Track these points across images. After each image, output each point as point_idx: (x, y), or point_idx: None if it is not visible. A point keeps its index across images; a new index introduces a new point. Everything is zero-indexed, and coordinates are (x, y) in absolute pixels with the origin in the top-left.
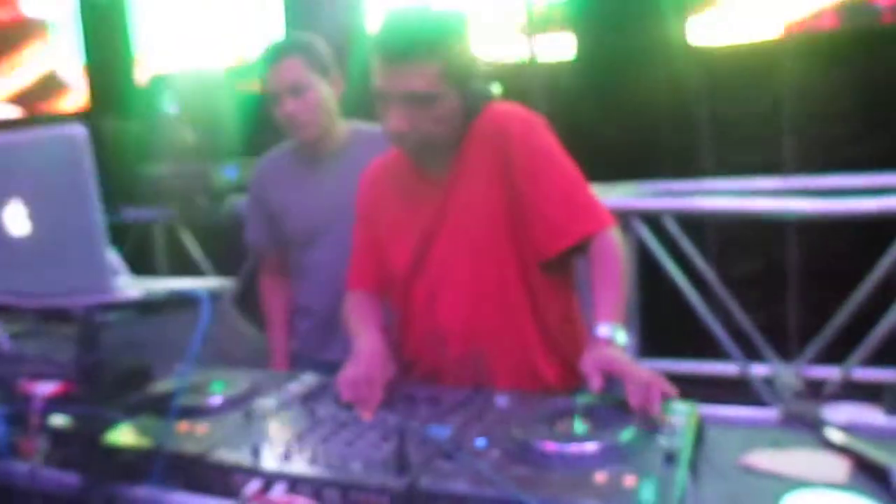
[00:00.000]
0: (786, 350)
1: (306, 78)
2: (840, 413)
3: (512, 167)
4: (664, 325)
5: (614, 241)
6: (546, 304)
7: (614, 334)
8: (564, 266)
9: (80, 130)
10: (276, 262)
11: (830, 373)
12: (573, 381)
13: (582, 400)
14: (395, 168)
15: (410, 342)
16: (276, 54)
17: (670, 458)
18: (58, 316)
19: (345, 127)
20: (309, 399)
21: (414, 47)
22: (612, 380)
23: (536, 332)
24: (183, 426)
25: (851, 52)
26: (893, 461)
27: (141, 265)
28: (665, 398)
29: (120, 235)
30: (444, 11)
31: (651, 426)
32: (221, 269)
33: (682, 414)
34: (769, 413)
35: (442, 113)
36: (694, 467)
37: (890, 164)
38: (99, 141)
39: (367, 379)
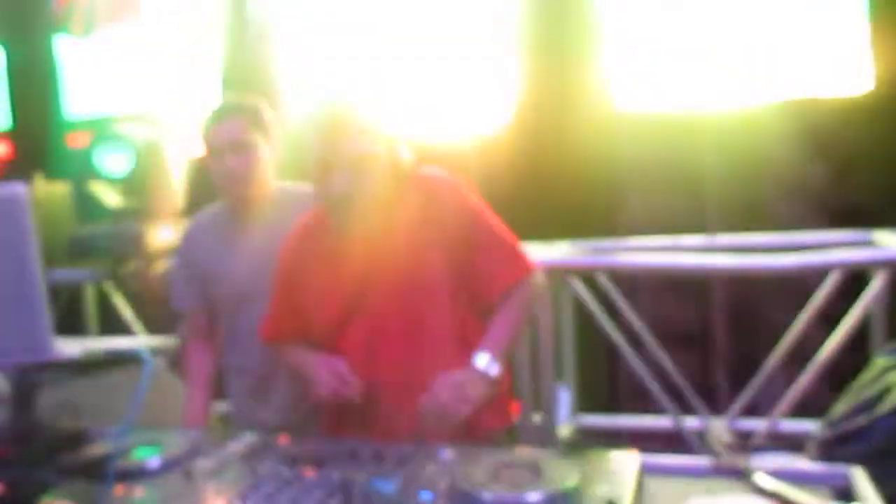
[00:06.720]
0: (715, 403)
1: (250, 137)
2: (768, 462)
3: (445, 226)
4: (600, 380)
5: (530, 287)
6: (475, 349)
7: (484, 362)
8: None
9: (20, 190)
10: (202, 324)
11: (758, 425)
12: (500, 422)
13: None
14: (318, 228)
15: None
16: (224, 113)
17: None
18: None
19: (274, 188)
20: (250, 457)
21: (353, 115)
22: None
23: None
24: (119, 490)
25: (768, 120)
26: None
27: (70, 327)
28: (445, 421)
29: (48, 297)
30: (365, 85)
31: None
32: (153, 330)
33: (621, 463)
34: (703, 462)
35: (377, 174)
36: None
37: (806, 225)
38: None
39: (343, 369)
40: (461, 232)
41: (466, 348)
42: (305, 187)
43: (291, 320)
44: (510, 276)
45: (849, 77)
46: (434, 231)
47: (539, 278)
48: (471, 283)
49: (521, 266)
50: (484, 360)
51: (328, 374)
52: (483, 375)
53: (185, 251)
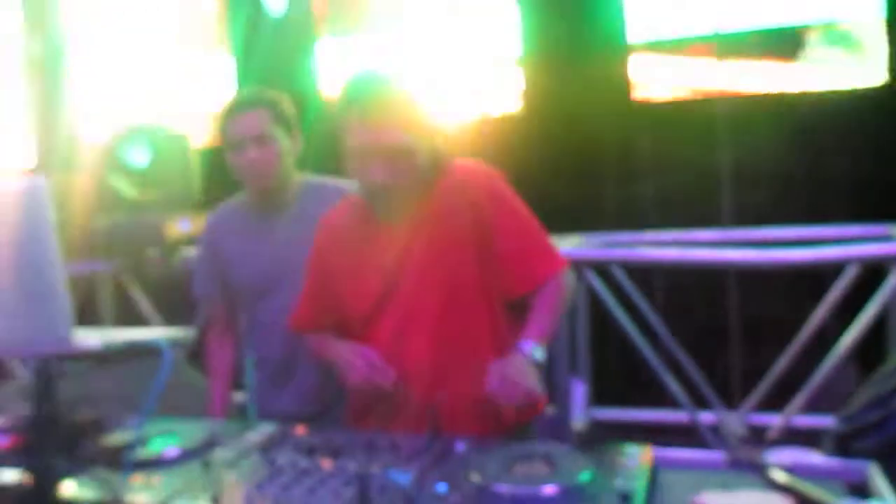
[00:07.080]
0: (729, 397)
1: (270, 130)
2: (783, 456)
3: (480, 217)
4: (614, 373)
5: (563, 281)
6: (506, 342)
7: (531, 349)
8: (521, 306)
9: (40, 182)
10: (224, 315)
11: (772, 419)
12: (526, 416)
13: (538, 445)
14: (352, 217)
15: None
16: (244, 105)
17: (626, 499)
18: None
19: (297, 180)
20: (268, 448)
21: (394, 105)
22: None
23: None
24: (138, 479)
25: (785, 111)
26: (834, 499)
27: (86, 319)
28: (521, 401)
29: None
30: (403, 73)
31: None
32: (171, 322)
33: (635, 456)
34: (717, 456)
35: (416, 164)
36: None
37: (822, 218)
38: None
39: (375, 358)
40: (495, 224)
41: (496, 341)
42: (331, 181)
43: (323, 309)
44: (545, 270)
45: (865, 68)
46: (468, 222)
47: (568, 275)
48: (502, 275)
49: (554, 261)
50: (530, 347)
51: (361, 361)
52: (533, 360)
53: (209, 242)
